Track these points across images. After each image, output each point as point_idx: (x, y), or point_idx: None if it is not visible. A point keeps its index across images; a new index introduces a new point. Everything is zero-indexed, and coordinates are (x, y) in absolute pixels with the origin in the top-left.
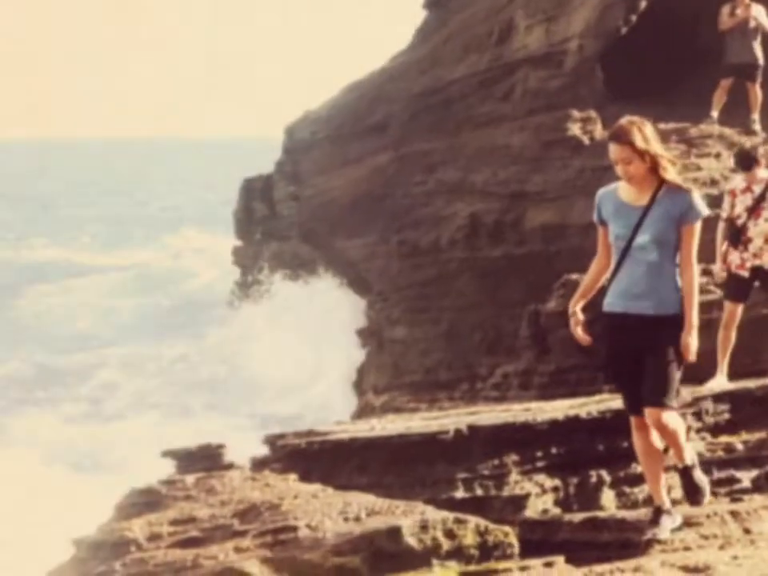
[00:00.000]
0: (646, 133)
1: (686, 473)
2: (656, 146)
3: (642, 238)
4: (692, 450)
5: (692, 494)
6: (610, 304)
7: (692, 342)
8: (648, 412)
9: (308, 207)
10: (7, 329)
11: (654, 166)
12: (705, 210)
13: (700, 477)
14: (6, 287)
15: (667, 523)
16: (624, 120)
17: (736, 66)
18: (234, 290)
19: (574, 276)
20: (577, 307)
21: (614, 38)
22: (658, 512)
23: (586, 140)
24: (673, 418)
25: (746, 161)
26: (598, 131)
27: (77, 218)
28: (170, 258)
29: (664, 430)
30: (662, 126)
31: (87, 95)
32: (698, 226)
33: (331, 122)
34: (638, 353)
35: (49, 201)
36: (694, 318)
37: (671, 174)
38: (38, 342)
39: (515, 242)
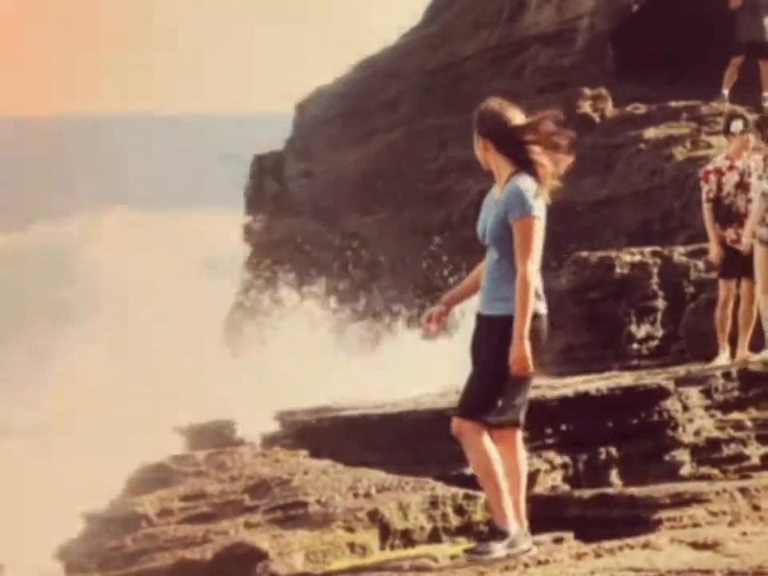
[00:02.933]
0: (493, 112)
1: (492, 533)
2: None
3: (487, 237)
4: (515, 523)
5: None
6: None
7: (518, 353)
8: (453, 420)
9: (319, 184)
10: None
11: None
12: (530, 207)
13: (500, 550)
14: None
15: (497, 548)
16: None
17: (747, 43)
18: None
19: (584, 253)
20: (445, 297)
21: (624, 15)
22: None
23: (596, 118)
24: (476, 436)
25: (742, 122)
26: (609, 109)
27: None
28: None
29: (465, 445)
30: (673, 103)
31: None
32: (526, 223)
33: (343, 99)
34: None
35: None
36: (520, 327)
37: (543, 167)
38: None
39: None
